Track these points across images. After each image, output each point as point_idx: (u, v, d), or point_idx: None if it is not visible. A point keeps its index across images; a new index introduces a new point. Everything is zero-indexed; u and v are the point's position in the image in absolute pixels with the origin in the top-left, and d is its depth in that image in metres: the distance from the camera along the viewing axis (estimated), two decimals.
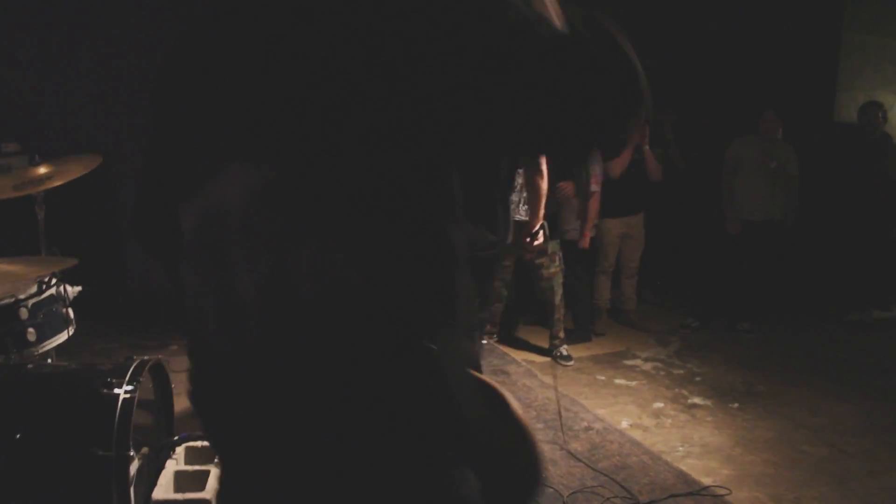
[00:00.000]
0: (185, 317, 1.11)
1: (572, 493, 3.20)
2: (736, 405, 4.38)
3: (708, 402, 4.42)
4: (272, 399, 1.00)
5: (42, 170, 2.77)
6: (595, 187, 5.26)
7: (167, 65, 1.11)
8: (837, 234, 6.13)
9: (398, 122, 0.91)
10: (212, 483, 2.39)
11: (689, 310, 6.12)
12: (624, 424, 4.08)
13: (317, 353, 0.96)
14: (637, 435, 3.90)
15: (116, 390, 2.38)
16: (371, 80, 0.90)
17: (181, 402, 2.65)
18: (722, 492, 3.29)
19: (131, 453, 2.35)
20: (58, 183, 2.76)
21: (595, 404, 4.32)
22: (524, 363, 4.97)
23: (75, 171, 2.78)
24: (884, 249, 6.11)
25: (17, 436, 2.34)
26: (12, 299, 2.57)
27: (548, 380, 4.57)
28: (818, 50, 6.84)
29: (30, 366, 2.55)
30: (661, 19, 6.84)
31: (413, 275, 0.96)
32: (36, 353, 2.66)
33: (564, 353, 5.10)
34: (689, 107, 6.54)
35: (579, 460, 3.49)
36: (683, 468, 3.50)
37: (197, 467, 2.49)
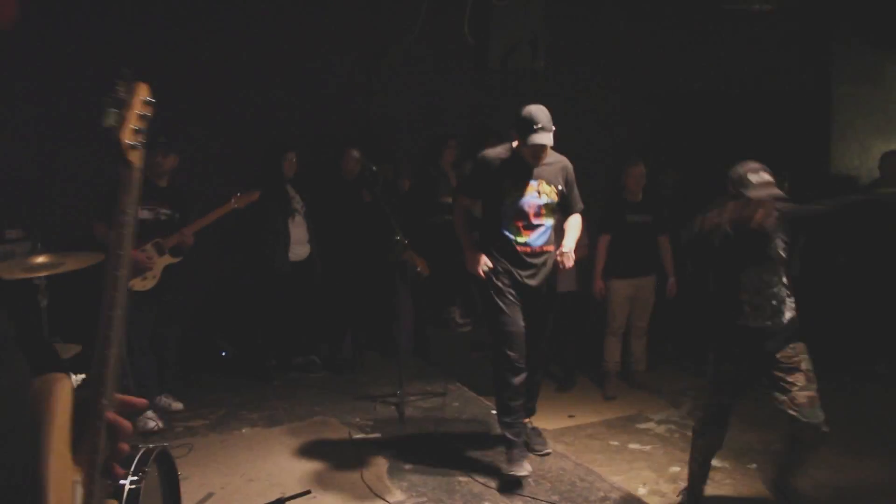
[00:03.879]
0: None
1: None
2: (754, 466, 4.28)
3: (725, 464, 4.32)
4: None
5: (42, 259, 2.77)
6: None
7: None
8: (853, 286, 6.05)
9: None
10: None
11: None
12: (641, 491, 3.98)
13: None
14: (655, 502, 3.80)
15: (122, 480, 2.33)
16: None
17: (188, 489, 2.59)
18: None
19: None
20: (61, 271, 2.75)
21: (610, 471, 4.22)
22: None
23: (77, 263, 2.78)
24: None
25: None
26: None
27: (560, 448, 4.47)
28: (811, 104, 6.95)
29: None
30: (659, 80, 6.97)
31: None
32: None
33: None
34: (688, 166, 6.61)
35: None
36: None
37: None
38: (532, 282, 3.97)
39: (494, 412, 4.25)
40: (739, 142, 6.52)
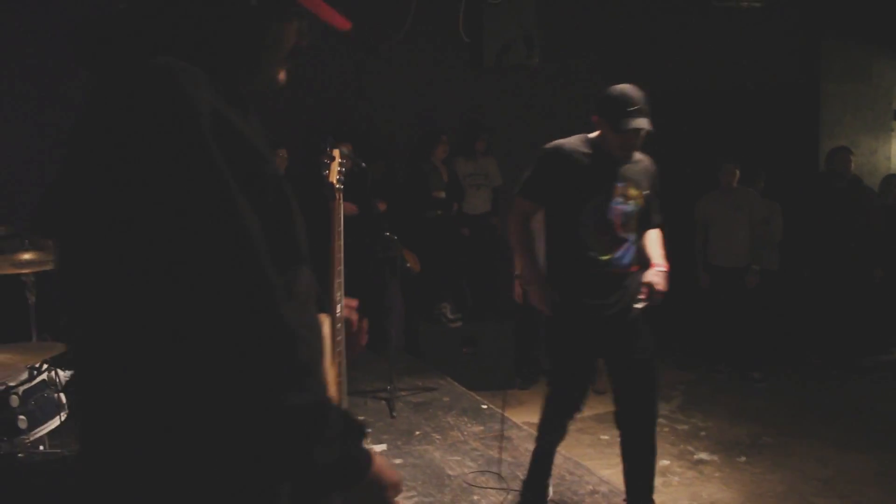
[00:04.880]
0: None
1: None
2: (743, 459, 4.31)
3: (714, 458, 4.35)
4: None
5: (28, 255, 2.78)
6: None
7: None
8: (827, 282, 6.15)
9: None
10: None
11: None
12: None
13: None
14: None
15: None
16: None
17: None
18: None
19: None
20: (47, 268, 2.76)
21: (599, 465, 4.24)
22: (525, 427, 4.89)
23: None
24: (869, 293, 6.11)
25: None
26: (2, 387, 2.55)
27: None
28: (800, 100, 6.98)
29: (20, 455, 2.50)
30: (648, 76, 6.99)
31: None
32: (28, 441, 2.61)
33: None
34: (676, 163, 6.64)
35: None
36: None
37: None
38: (613, 311, 3.10)
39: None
40: (728, 138, 6.57)
